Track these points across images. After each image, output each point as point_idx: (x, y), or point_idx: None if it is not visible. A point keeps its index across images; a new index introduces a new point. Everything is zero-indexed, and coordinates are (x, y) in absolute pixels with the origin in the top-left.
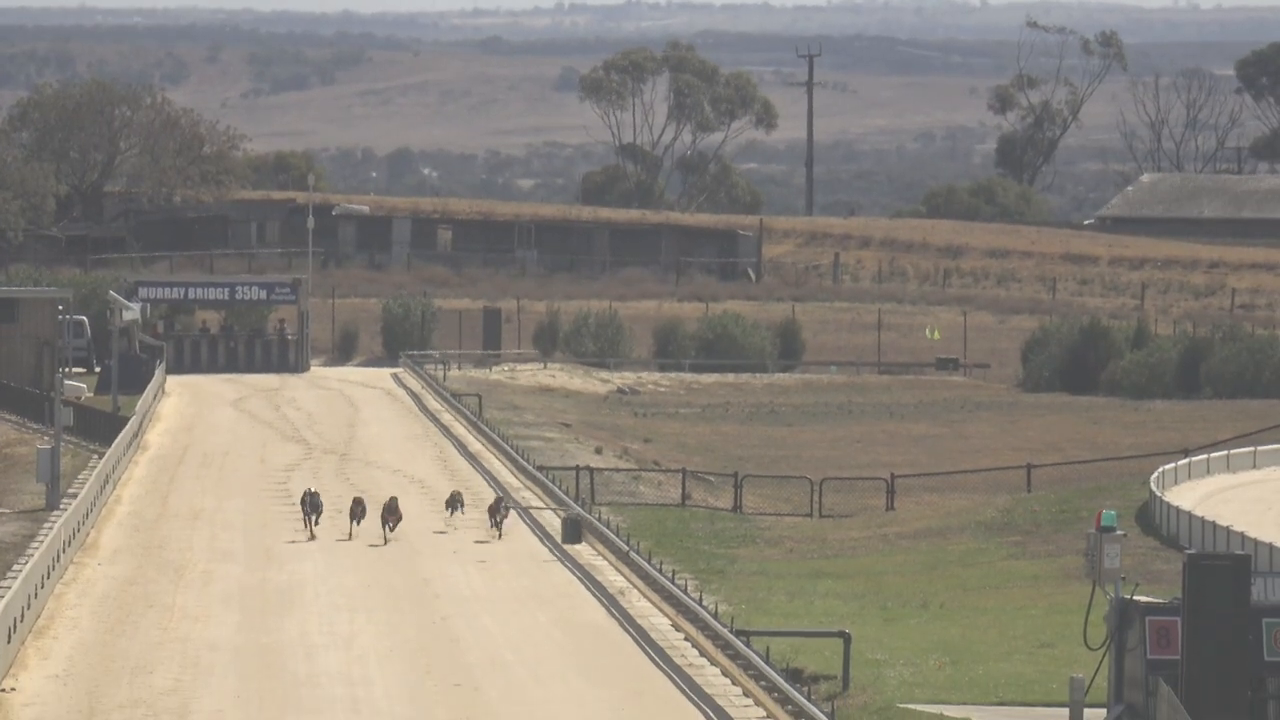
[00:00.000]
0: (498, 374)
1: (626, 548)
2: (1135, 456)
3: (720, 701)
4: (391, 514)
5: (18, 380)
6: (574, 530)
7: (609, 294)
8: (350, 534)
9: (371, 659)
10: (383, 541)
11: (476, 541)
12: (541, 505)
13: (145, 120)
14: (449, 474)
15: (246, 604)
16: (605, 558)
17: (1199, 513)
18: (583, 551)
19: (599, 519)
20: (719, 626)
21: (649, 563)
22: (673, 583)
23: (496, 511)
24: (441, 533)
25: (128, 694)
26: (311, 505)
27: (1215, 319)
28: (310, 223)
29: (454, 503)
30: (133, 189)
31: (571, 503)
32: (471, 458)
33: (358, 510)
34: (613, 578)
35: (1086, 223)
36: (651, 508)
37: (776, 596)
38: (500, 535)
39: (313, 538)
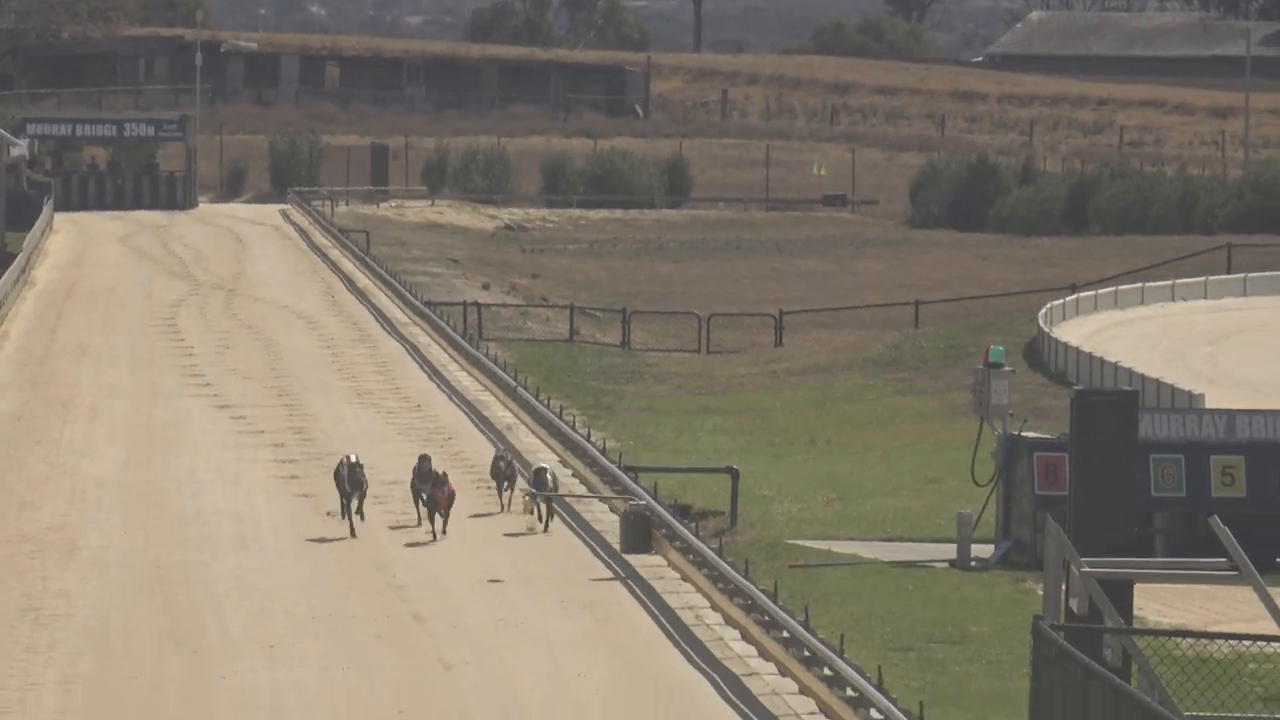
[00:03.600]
0: (385, 210)
1: (514, 383)
2: (1023, 293)
3: (608, 538)
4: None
5: None
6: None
7: (497, 130)
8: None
9: (258, 495)
10: (430, 534)
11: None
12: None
13: None
14: (337, 310)
15: (133, 440)
16: (492, 393)
17: (1087, 349)
18: (470, 388)
19: (486, 354)
20: (607, 462)
21: (536, 398)
22: (560, 418)
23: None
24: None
25: (14, 529)
26: (351, 481)
27: (1103, 156)
28: (198, 60)
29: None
30: (20, 25)
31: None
32: (360, 293)
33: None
34: (500, 413)
35: (975, 60)
36: (539, 344)
37: (664, 433)
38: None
39: (353, 534)
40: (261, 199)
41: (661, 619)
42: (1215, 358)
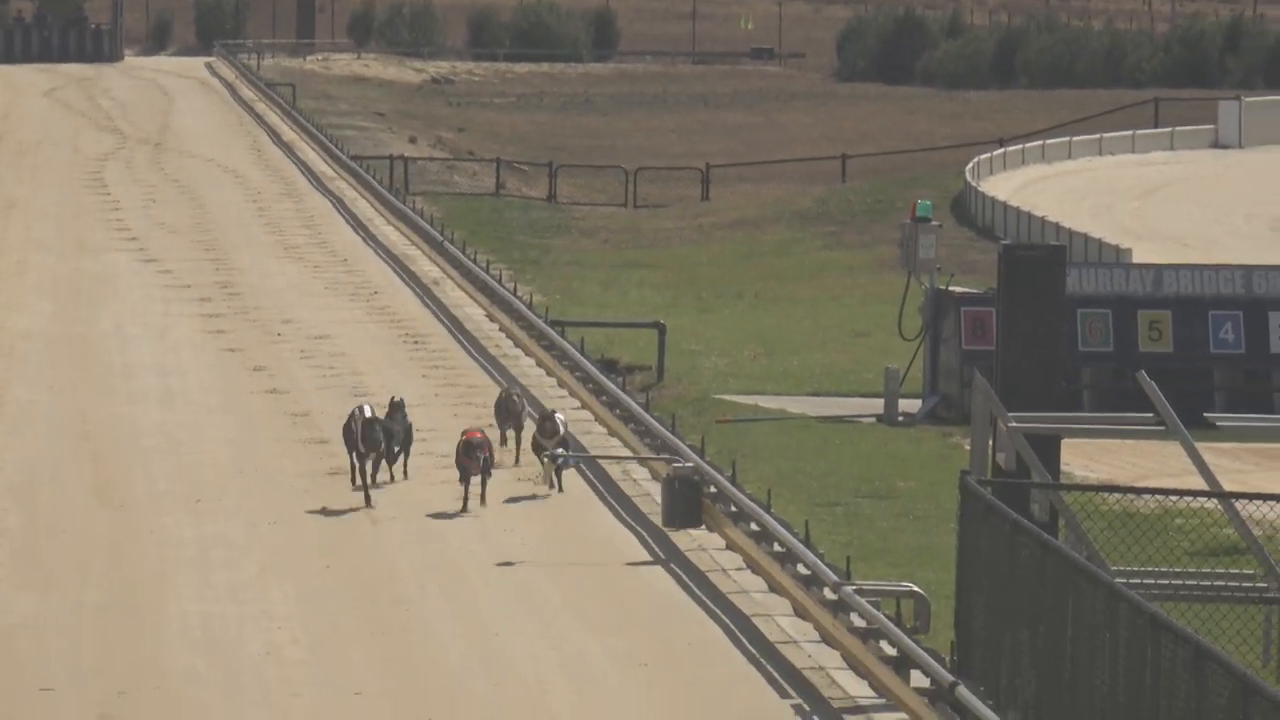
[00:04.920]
0: (311, 64)
1: (441, 238)
2: (950, 147)
3: (535, 392)
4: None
5: None
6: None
7: None
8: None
9: (185, 350)
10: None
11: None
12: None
13: None
14: (263, 164)
15: (60, 294)
16: (419, 247)
17: (1014, 203)
18: (397, 243)
19: (412, 209)
20: (533, 317)
21: (463, 253)
22: (487, 273)
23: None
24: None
25: None
26: (366, 439)
27: (1031, 9)
28: None
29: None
30: None
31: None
32: (286, 147)
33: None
34: (427, 268)
35: None
36: (466, 197)
37: (591, 287)
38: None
39: (368, 502)
40: (187, 52)
41: (588, 472)
42: (1142, 212)
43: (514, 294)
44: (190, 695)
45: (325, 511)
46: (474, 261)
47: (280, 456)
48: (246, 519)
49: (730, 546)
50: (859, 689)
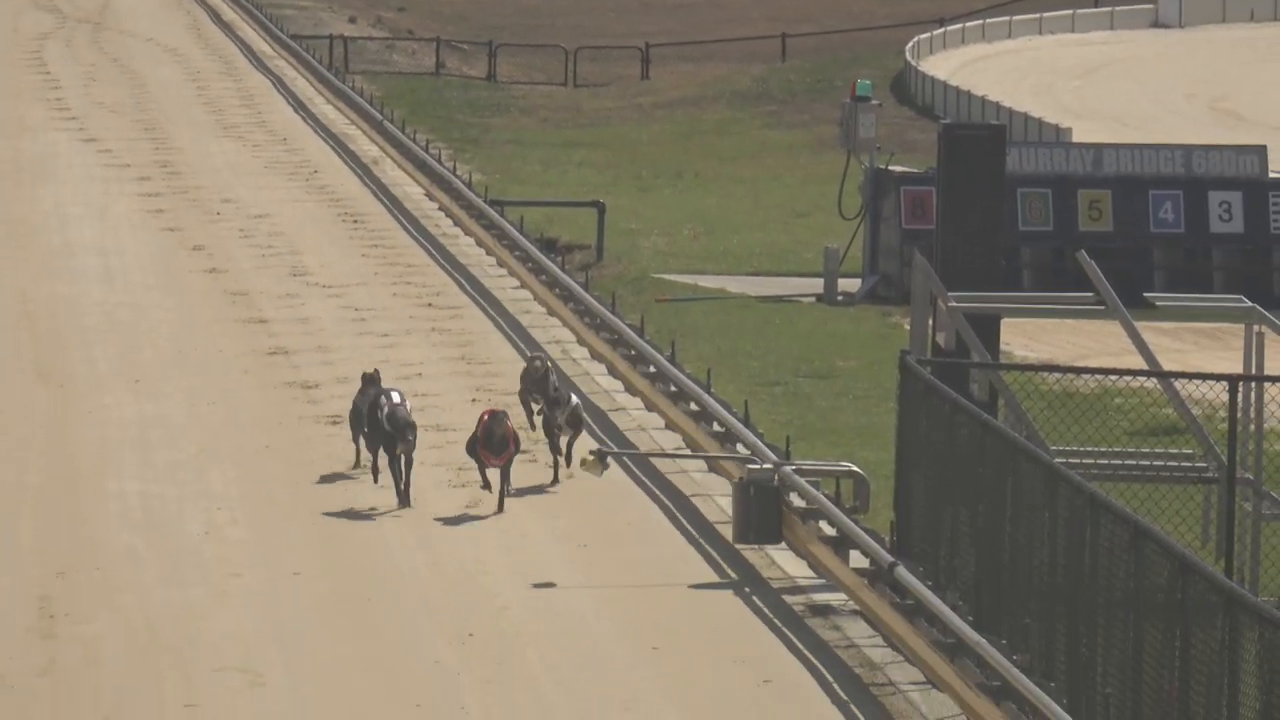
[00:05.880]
0: None
1: (381, 117)
2: (890, 26)
3: (474, 271)
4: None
5: None
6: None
7: None
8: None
9: (125, 229)
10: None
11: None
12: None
13: None
14: (203, 43)
15: (0, 173)
16: (358, 126)
17: (954, 82)
18: (336, 122)
19: (352, 88)
20: (473, 196)
21: (402, 132)
22: (426, 152)
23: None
24: None
25: None
26: (394, 425)
27: None
28: None
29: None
30: None
31: None
32: (225, 26)
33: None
34: (366, 147)
35: None
36: (405, 77)
37: (530, 166)
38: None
39: (406, 502)
40: None
41: (528, 352)
42: (1083, 92)
43: (453, 173)
44: (129, 575)
45: (265, 392)
46: (413, 141)
47: (219, 336)
48: (186, 399)
49: (670, 426)
50: (798, 569)
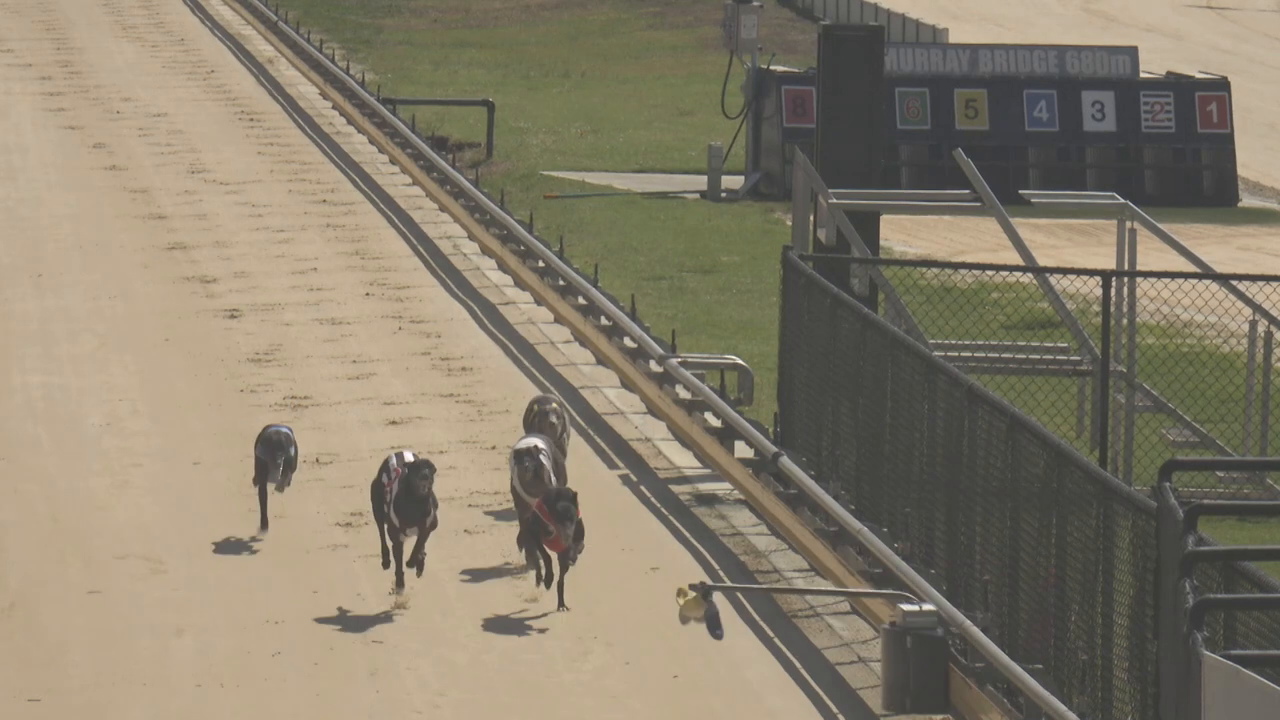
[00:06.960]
0: None
1: (275, 17)
2: None
3: (367, 169)
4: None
5: None
6: None
7: None
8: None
9: (26, 127)
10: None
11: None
12: None
13: None
14: None
15: None
16: (254, 26)
17: None
18: (232, 22)
19: None
20: (366, 95)
21: (296, 32)
22: (320, 52)
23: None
24: None
25: None
26: (408, 497)
27: None
28: None
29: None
30: None
31: None
32: None
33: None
34: (261, 47)
35: None
36: None
37: (422, 66)
38: None
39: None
40: None
41: (419, 247)
42: None
43: (346, 72)
44: (33, 464)
45: (166, 285)
46: (307, 41)
47: (120, 232)
48: (87, 293)
49: (559, 320)
50: (684, 460)
